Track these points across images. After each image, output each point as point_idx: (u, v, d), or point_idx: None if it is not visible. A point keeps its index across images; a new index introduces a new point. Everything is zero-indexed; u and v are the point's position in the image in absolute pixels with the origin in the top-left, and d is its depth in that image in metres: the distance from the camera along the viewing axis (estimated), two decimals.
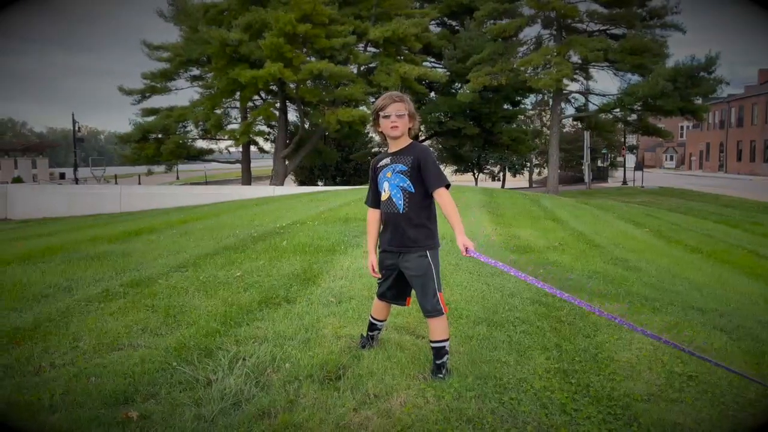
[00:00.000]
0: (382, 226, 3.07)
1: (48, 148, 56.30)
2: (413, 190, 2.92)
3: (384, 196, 2.99)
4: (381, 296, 3.16)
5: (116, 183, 35.92)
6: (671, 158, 66.49)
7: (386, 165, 2.99)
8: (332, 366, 2.98)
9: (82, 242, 7.63)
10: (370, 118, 3.05)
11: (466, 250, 2.80)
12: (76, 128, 38.71)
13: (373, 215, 3.11)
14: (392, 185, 2.95)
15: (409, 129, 3.00)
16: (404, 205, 2.93)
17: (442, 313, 2.92)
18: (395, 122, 2.93)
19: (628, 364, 3.20)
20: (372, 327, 3.29)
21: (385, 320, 3.30)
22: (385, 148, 3.10)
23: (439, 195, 2.90)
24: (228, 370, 2.92)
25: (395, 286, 3.09)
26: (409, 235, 2.93)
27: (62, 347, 3.33)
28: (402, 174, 2.93)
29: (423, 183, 2.91)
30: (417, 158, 2.92)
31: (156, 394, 2.71)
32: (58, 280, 4.96)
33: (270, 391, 2.73)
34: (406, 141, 3.00)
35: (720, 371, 3.20)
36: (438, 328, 2.92)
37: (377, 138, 3.07)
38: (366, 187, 3.53)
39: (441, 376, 2.88)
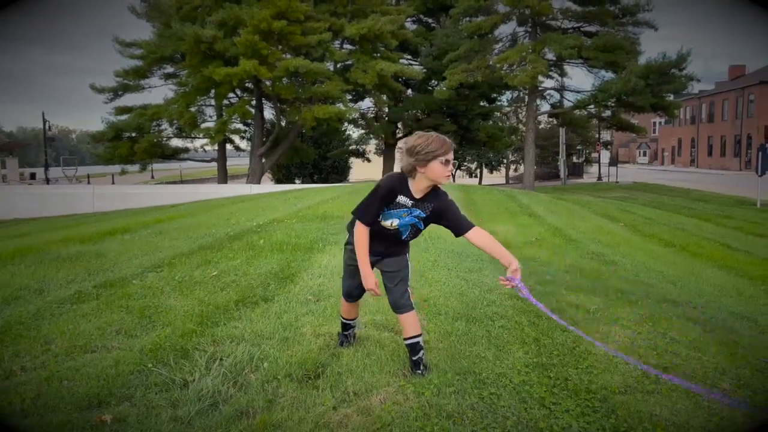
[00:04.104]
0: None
1: (18, 148, 55.02)
2: (422, 227, 2.90)
3: (388, 225, 2.86)
4: (348, 296, 3.14)
5: (89, 183, 35.32)
6: (644, 154, 67.56)
7: (406, 206, 2.82)
8: (311, 364, 2.96)
9: (54, 243, 7.47)
10: (410, 156, 2.72)
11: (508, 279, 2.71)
12: (47, 127, 37.97)
13: (368, 234, 2.90)
14: (403, 223, 2.86)
15: None
16: (409, 236, 2.91)
17: (413, 308, 2.93)
18: (450, 170, 2.77)
19: (605, 357, 3.23)
20: (345, 327, 3.27)
21: (357, 318, 3.29)
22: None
23: (476, 234, 2.82)
24: (205, 371, 2.88)
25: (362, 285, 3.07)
26: (399, 248, 2.96)
27: (33, 350, 3.25)
28: (418, 218, 2.85)
29: (433, 224, 2.88)
30: (439, 207, 2.83)
31: (131, 396, 2.66)
32: (28, 282, 4.85)
33: (248, 391, 2.70)
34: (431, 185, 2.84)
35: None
36: (410, 324, 2.90)
37: (401, 167, 2.71)
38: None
39: (420, 372, 2.87)
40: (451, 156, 2.74)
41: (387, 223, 2.85)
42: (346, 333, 3.27)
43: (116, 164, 31.08)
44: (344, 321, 3.25)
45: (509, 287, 2.72)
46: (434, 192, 2.83)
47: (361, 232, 2.85)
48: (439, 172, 2.72)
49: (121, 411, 2.51)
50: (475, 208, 11.51)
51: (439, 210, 2.83)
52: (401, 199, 2.81)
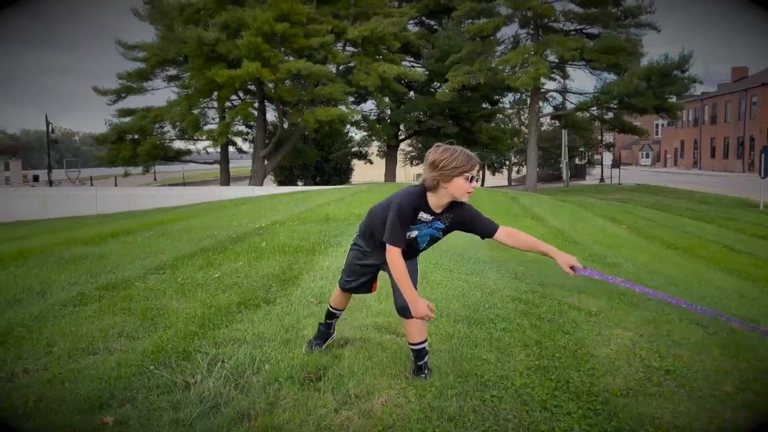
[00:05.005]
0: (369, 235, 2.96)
1: (21, 150, 55.19)
2: (441, 237, 2.87)
3: (407, 236, 2.81)
4: (348, 290, 3.13)
5: (92, 185, 35.38)
6: (647, 155, 67.46)
7: (426, 221, 2.77)
8: (312, 367, 2.96)
9: (57, 245, 7.49)
10: (433, 171, 2.62)
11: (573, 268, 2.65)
12: (50, 129, 38.05)
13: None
14: (422, 234, 2.81)
15: None
16: (426, 245, 2.88)
17: None
18: (474, 187, 2.67)
19: (607, 359, 3.22)
20: (331, 315, 3.24)
21: (344, 309, 3.28)
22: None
23: (503, 234, 2.78)
24: (207, 373, 2.88)
25: (367, 282, 3.08)
26: (410, 253, 2.88)
27: (36, 352, 3.26)
28: (437, 229, 2.81)
29: (451, 232, 2.84)
30: (460, 216, 2.78)
31: (132, 398, 2.66)
32: (31, 284, 4.85)
33: (250, 393, 2.70)
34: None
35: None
36: (416, 330, 2.89)
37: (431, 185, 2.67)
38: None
39: (424, 375, 2.87)
40: (476, 172, 2.66)
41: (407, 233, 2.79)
42: (330, 321, 3.24)
43: (119, 166, 31.14)
44: (332, 310, 3.22)
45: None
46: (453, 204, 2.76)
47: (397, 256, 2.70)
48: (462, 188, 2.66)
49: (122, 413, 2.52)
50: (477, 209, 11.51)
51: (461, 220, 2.80)
52: (423, 216, 2.75)
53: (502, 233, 2.80)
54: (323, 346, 3.22)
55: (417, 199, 2.72)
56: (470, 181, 2.65)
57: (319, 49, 26.03)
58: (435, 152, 2.67)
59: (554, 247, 2.75)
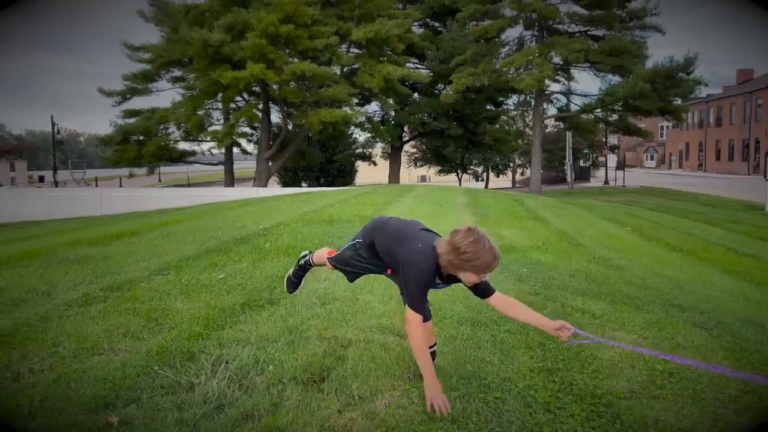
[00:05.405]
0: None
1: (27, 151, 55.46)
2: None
3: None
4: (335, 268, 3.21)
5: (97, 186, 35.51)
6: (652, 158, 67.24)
7: (435, 284, 2.80)
8: (316, 368, 2.97)
9: (62, 246, 7.51)
10: (454, 255, 2.55)
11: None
12: (56, 130, 38.22)
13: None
14: None
15: None
16: None
17: (430, 317, 2.96)
18: (483, 279, 2.66)
19: (610, 362, 3.22)
20: (308, 267, 3.41)
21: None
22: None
23: (496, 300, 2.79)
24: (211, 374, 2.90)
25: (354, 274, 3.15)
26: None
27: (41, 353, 3.28)
28: (441, 289, 2.94)
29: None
30: (461, 281, 2.78)
31: (137, 398, 2.67)
32: (37, 285, 4.88)
33: (253, 394, 2.71)
34: None
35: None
36: (427, 334, 2.91)
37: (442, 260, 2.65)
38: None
39: None
40: (488, 273, 2.63)
41: None
42: (304, 268, 3.41)
43: (124, 167, 31.27)
44: (313, 265, 3.37)
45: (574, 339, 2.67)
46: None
47: (418, 327, 2.61)
48: (470, 280, 2.64)
49: (127, 413, 2.53)
50: (481, 211, 11.50)
51: (462, 283, 2.81)
52: (437, 282, 2.78)
53: (494, 299, 2.77)
54: (303, 281, 3.46)
55: (435, 269, 2.68)
56: (481, 275, 2.62)
57: (323, 50, 26.07)
58: (464, 238, 2.54)
59: (543, 319, 2.70)
